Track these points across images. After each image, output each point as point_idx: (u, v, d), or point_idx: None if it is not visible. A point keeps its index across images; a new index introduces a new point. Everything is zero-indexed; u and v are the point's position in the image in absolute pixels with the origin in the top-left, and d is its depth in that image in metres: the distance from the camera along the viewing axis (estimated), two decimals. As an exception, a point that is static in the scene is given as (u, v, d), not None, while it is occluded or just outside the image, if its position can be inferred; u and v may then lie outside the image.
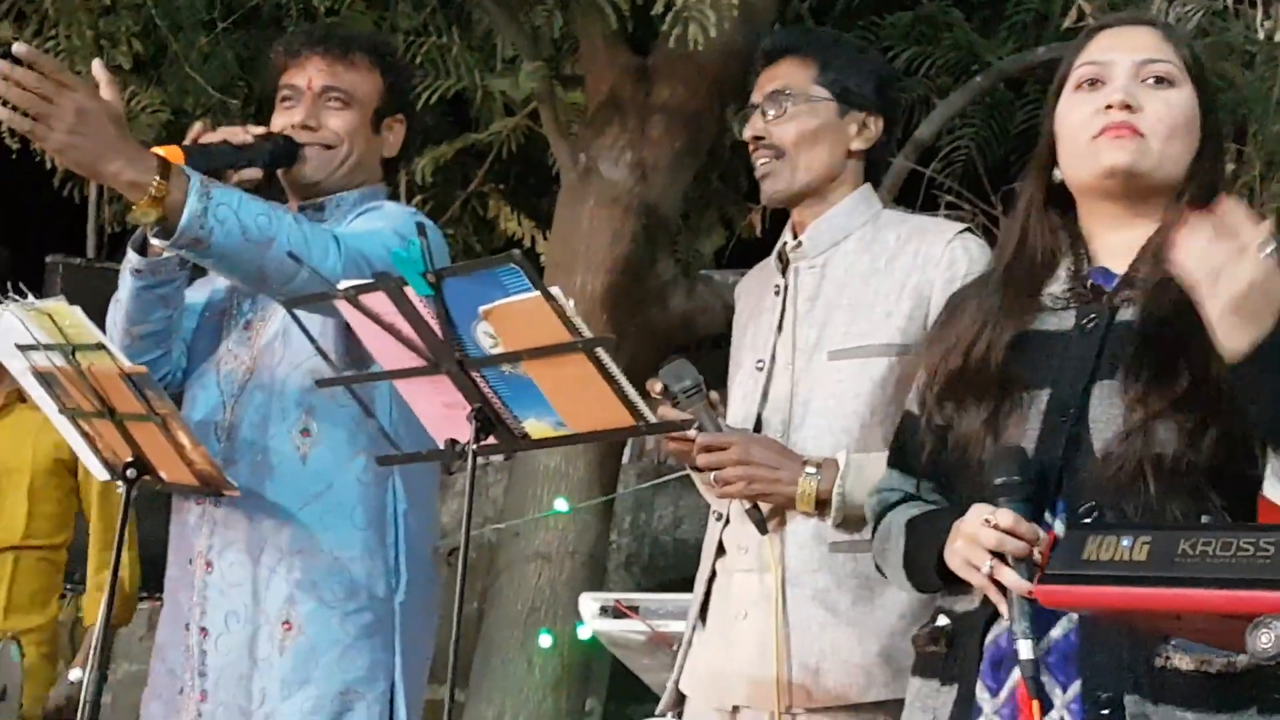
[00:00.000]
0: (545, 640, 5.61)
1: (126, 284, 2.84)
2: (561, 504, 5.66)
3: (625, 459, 6.44)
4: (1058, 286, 2.10)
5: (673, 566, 7.13)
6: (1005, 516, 1.92)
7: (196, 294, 2.99)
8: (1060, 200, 2.15)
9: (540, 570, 5.72)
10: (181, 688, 2.83)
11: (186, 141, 2.80)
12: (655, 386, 2.60)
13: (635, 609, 4.49)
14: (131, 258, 2.82)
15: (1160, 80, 2.08)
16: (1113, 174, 2.06)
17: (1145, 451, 1.91)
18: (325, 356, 2.58)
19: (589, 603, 4.65)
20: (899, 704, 2.49)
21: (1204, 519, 1.87)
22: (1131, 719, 1.90)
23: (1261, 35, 4.96)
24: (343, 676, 2.76)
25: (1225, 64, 5.22)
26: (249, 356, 2.87)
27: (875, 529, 2.23)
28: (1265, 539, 1.58)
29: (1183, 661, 1.89)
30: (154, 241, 2.77)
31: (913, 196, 6.11)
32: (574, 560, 5.73)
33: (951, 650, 2.06)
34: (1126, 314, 2.03)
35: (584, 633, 4.99)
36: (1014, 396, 2.04)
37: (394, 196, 3.12)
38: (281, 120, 2.92)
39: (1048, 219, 2.15)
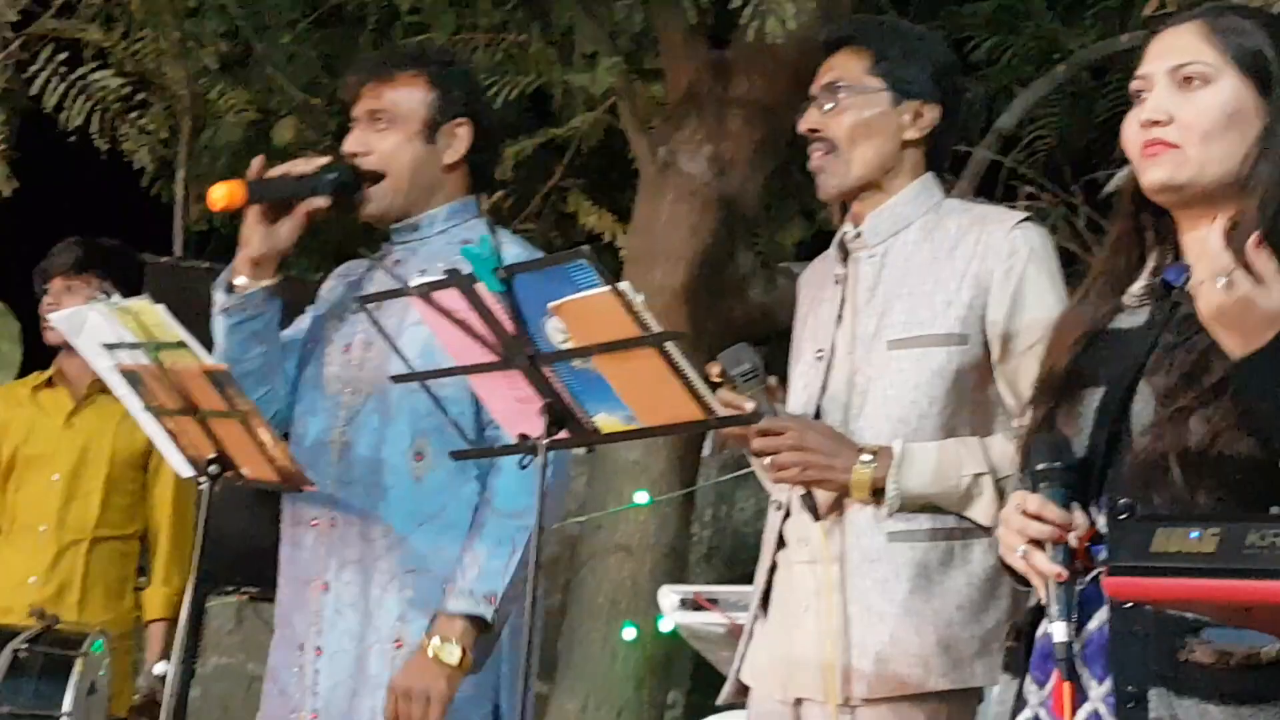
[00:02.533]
0: (629, 633, 5.62)
1: (219, 325, 2.88)
2: (642, 496, 5.67)
3: (706, 452, 6.43)
4: (1139, 285, 2.10)
5: (754, 559, 7.05)
6: (1034, 501, 1.93)
7: (293, 331, 3.02)
8: None
9: (622, 563, 5.74)
10: (294, 708, 2.85)
11: (250, 175, 2.83)
12: (714, 370, 2.60)
13: (714, 601, 4.51)
14: (218, 298, 2.87)
15: (1193, 81, 2.04)
16: (1157, 190, 2.05)
17: (1172, 445, 1.90)
18: (402, 356, 2.61)
19: (669, 595, 4.67)
20: (959, 694, 2.51)
21: (1274, 510, 1.86)
22: (1156, 713, 1.90)
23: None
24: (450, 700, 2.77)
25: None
26: (355, 378, 2.89)
27: None
28: None
29: (1205, 655, 1.87)
30: (237, 280, 2.84)
31: (993, 187, 6.06)
32: (655, 553, 5.73)
33: (1018, 644, 2.07)
34: (1185, 308, 2.00)
35: (665, 625, 5.01)
36: (1075, 394, 2.04)
37: (493, 208, 3.12)
38: None
39: (1140, 218, 2.13)
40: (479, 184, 3.03)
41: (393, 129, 2.91)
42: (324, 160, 2.90)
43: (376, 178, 2.90)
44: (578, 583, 5.84)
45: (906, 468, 2.53)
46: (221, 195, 2.78)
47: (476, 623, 2.71)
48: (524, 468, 2.57)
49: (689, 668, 6.23)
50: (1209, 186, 2.04)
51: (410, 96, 2.93)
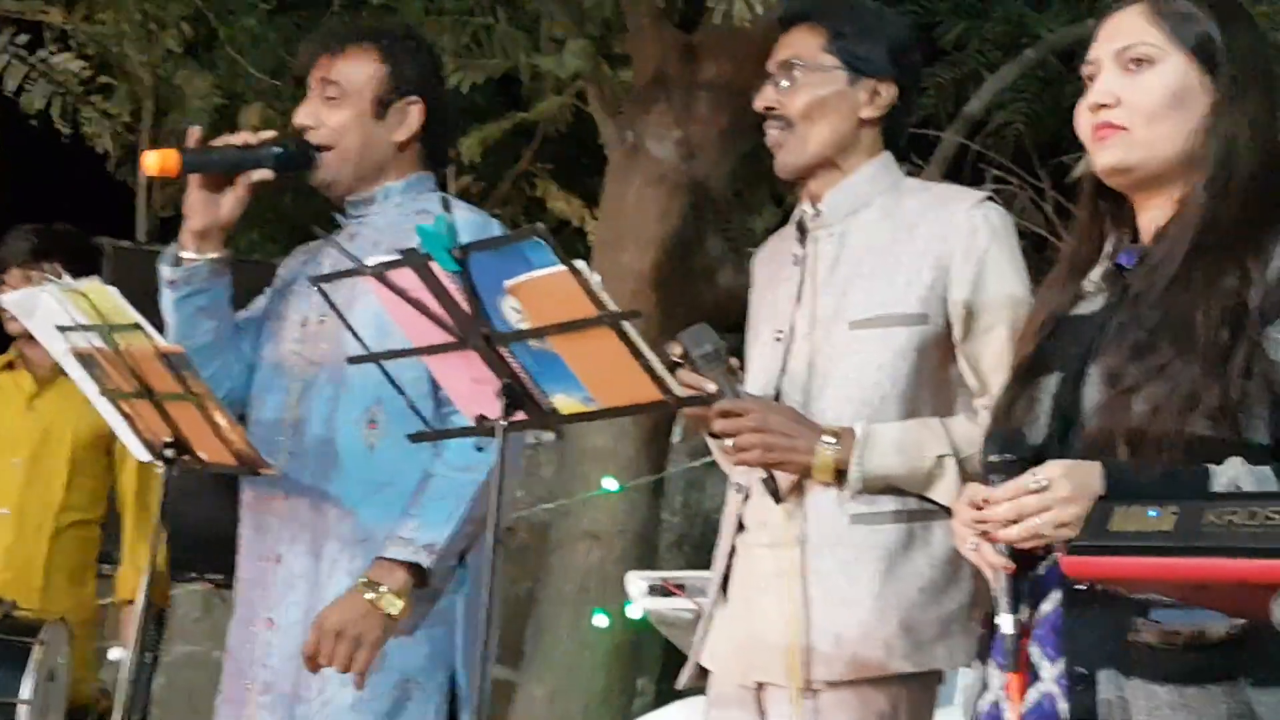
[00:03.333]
0: (601, 620, 5.61)
1: (166, 299, 2.87)
2: (611, 483, 5.67)
3: (676, 437, 6.44)
4: (1097, 271, 2.12)
5: (724, 545, 7.15)
6: (981, 492, 1.95)
7: (250, 311, 3.02)
8: None
9: (591, 550, 5.74)
10: (247, 680, 2.85)
11: (187, 144, 2.82)
12: (675, 350, 2.59)
13: (682, 587, 4.51)
14: (164, 271, 2.87)
15: (1139, 62, 2.06)
16: (1109, 173, 2.08)
17: (1119, 425, 1.92)
18: (356, 335, 2.59)
19: (636, 581, 4.68)
20: (920, 676, 2.52)
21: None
22: (1106, 695, 1.91)
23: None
24: (402, 666, 2.77)
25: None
26: (312, 352, 2.89)
27: None
28: None
29: (1151, 635, 1.89)
30: (184, 254, 2.83)
31: (961, 171, 6.06)
32: (624, 539, 5.75)
33: (987, 631, 2.09)
34: (1133, 290, 2.04)
35: (633, 611, 5.01)
36: (1035, 382, 2.06)
37: (442, 183, 3.11)
38: None
39: (1098, 206, 2.15)
40: (433, 162, 3.02)
41: (343, 103, 2.90)
42: (270, 134, 2.88)
43: (325, 152, 2.89)
44: (546, 570, 5.84)
45: (869, 449, 2.53)
46: (154, 162, 2.77)
47: (414, 571, 2.69)
48: (480, 450, 2.55)
49: (658, 654, 6.23)
50: (1160, 167, 2.06)
51: (361, 70, 2.91)
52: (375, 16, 6.33)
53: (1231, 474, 1.87)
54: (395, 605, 2.67)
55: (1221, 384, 1.90)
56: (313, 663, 2.69)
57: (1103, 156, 2.07)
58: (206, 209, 2.82)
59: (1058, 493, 1.87)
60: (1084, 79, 2.12)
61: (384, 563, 2.70)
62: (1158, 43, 2.06)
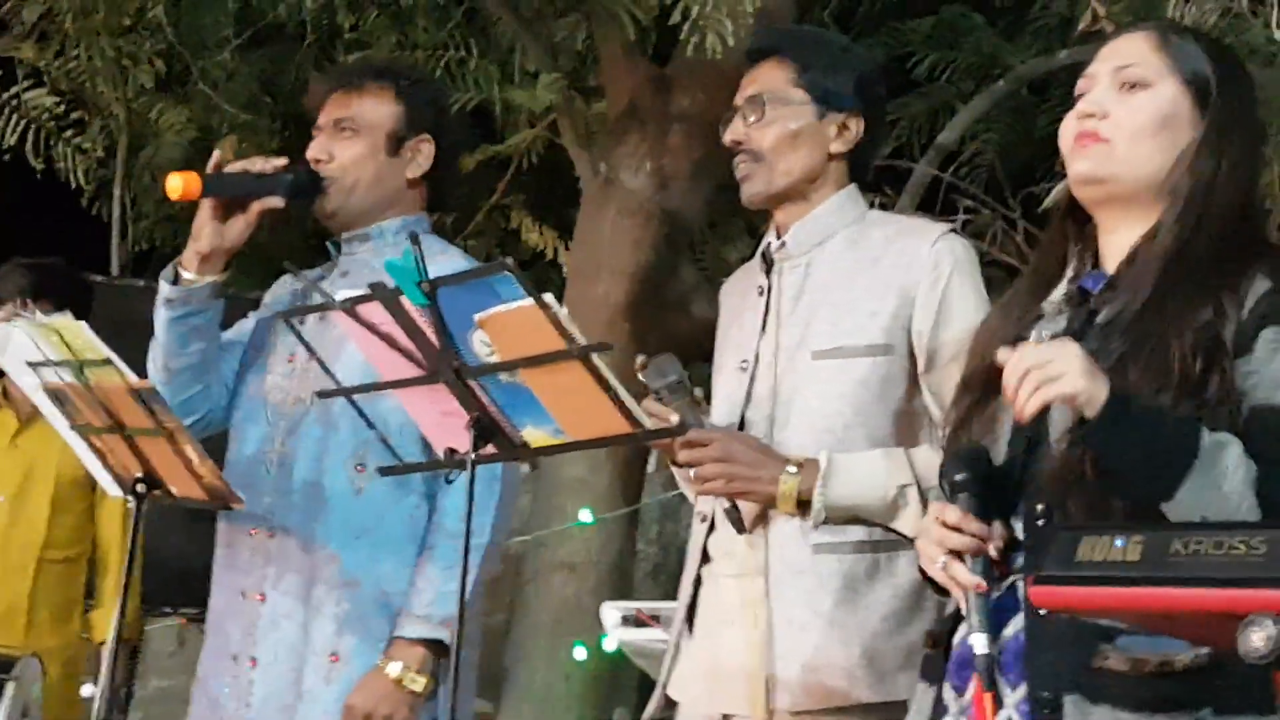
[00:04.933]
0: (580, 653, 5.60)
1: (160, 317, 2.89)
2: (586, 515, 5.67)
3: (651, 468, 6.44)
4: (1059, 292, 2.12)
5: (701, 576, 7.14)
6: (952, 512, 1.95)
7: (235, 334, 3.03)
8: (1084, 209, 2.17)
9: (566, 581, 5.74)
10: (225, 719, 2.85)
11: (209, 169, 2.85)
12: (640, 362, 2.61)
13: (656, 618, 4.50)
14: (163, 289, 2.88)
15: (1134, 85, 2.08)
16: (1082, 181, 2.09)
17: (1087, 451, 1.91)
18: (327, 370, 2.61)
19: (611, 612, 4.67)
20: (883, 706, 2.49)
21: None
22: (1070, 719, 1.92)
23: (1278, 34, 4.93)
24: None
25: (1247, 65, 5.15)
26: (300, 389, 2.89)
27: None
28: (1257, 537, 1.57)
29: (1119, 662, 1.89)
30: (184, 273, 2.83)
31: (934, 202, 6.08)
32: (599, 570, 5.74)
33: (936, 651, 2.09)
34: (1102, 316, 2.04)
35: (609, 644, 5.00)
36: (994, 401, 2.05)
37: (449, 227, 3.13)
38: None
39: (1065, 227, 2.16)
40: (436, 202, 3.06)
41: (357, 138, 2.94)
42: (282, 161, 2.90)
43: (334, 182, 2.92)
44: (521, 601, 5.83)
45: (832, 479, 2.52)
46: (178, 185, 2.79)
47: (435, 647, 2.74)
48: (450, 482, 2.56)
49: (635, 685, 6.21)
50: (1132, 186, 2.07)
51: (377, 108, 2.96)
52: (349, 52, 6.36)
53: (1226, 445, 1.85)
54: (419, 683, 2.73)
55: (1187, 408, 1.90)
56: None
57: (1079, 164, 2.08)
58: (215, 232, 2.84)
59: (1069, 348, 1.88)
60: (1076, 94, 2.13)
61: (404, 642, 2.75)
62: (1156, 68, 2.08)
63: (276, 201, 2.86)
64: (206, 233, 2.84)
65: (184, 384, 2.88)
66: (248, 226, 2.86)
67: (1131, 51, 2.11)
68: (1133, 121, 2.06)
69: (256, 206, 2.85)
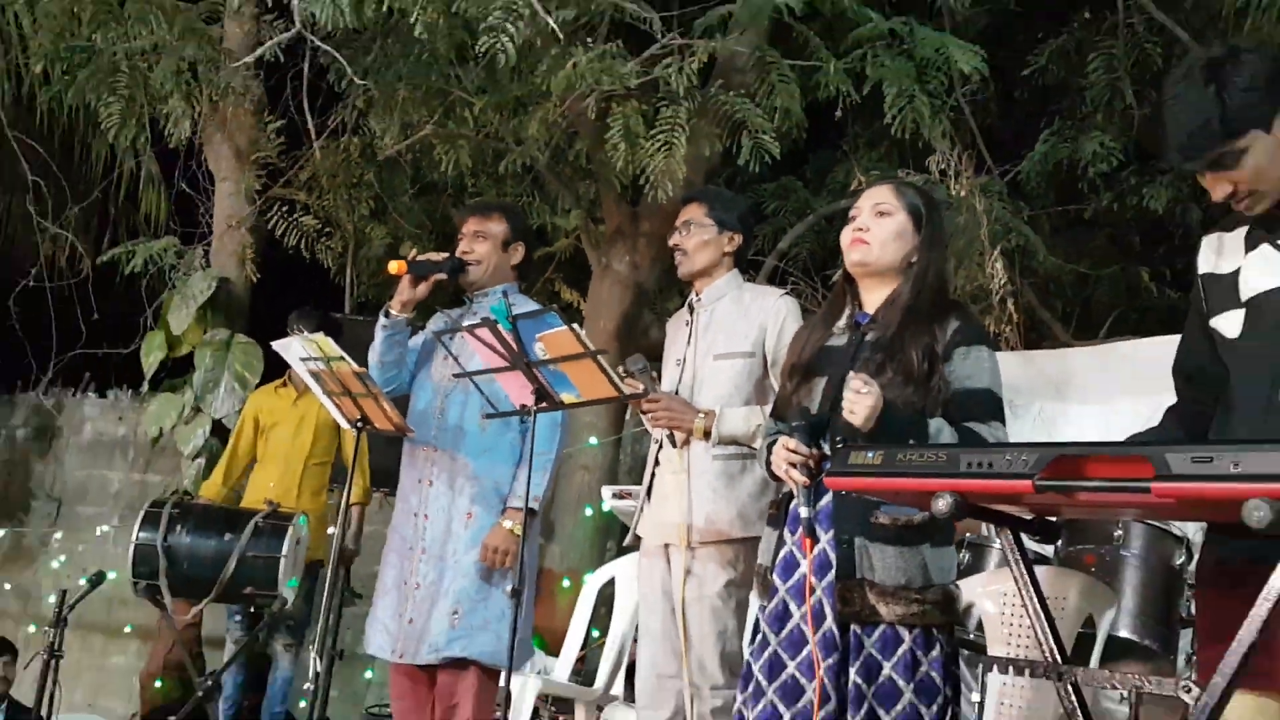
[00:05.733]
0: (589, 513, 5.54)
1: (378, 335, 2.80)
2: (593, 440, 5.62)
3: (629, 415, 6.38)
4: (842, 323, 2.08)
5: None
6: (791, 442, 1.91)
7: (414, 343, 2.92)
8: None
9: (583, 475, 5.66)
10: (411, 546, 2.77)
11: (409, 258, 2.78)
12: (624, 365, 2.55)
13: (631, 494, 4.44)
14: (381, 321, 2.80)
15: (882, 213, 2.04)
16: (854, 264, 2.05)
17: None
18: (462, 368, 2.57)
19: (606, 491, 4.61)
20: (748, 540, 2.45)
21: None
22: (858, 550, 1.89)
23: (952, 195, 4.94)
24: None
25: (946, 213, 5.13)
26: (447, 373, 2.79)
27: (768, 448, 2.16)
28: (942, 451, 1.53)
29: (884, 519, 1.88)
30: (392, 312, 2.76)
31: (775, 279, 6.08)
32: (601, 468, 5.66)
33: (778, 512, 2.05)
34: (869, 337, 2.02)
35: (606, 507, 4.94)
36: (812, 380, 2.02)
37: (526, 289, 3.04)
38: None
39: (844, 287, 2.11)
40: (522, 276, 2.96)
41: (486, 242, 2.85)
42: (446, 255, 2.84)
43: (474, 266, 2.85)
44: (560, 486, 5.77)
45: (723, 421, 2.49)
46: (395, 267, 2.73)
47: (529, 513, 2.66)
48: (523, 422, 2.53)
49: (618, 531, 6.16)
50: (884, 268, 2.03)
51: (497, 226, 2.88)
52: (468, 196, 6.31)
53: (937, 425, 1.84)
54: (519, 530, 2.65)
55: (921, 391, 1.88)
56: (485, 557, 2.66)
57: (853, 255, 2.03)
58: (411, 291, 2.76)
59: (873, 390, 1.84)
60: (849, 217, 2.08)
61: (512, 510, 2.67)
62: (894, 204, 2.03)
63: (443, 276, 2.79)
64: (406, 292, 2.76)
65: (389, 368, 2.80)
66: (427, 289, 2.79)
67: (880, 194, 2.06)
68: (882, 233, 2.02)
69: (433, 278, 2.78)
